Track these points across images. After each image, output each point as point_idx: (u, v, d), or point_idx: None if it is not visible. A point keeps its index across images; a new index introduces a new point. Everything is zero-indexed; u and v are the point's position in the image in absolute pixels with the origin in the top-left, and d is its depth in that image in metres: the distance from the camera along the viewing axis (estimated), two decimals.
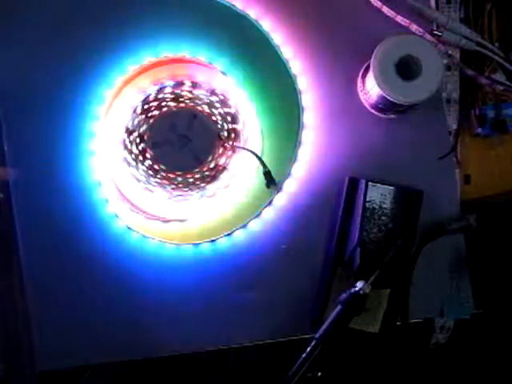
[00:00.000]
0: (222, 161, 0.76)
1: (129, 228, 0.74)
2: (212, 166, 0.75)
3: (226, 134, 0.75)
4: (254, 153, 0.73)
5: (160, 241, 0.74)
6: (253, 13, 0.76)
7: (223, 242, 0.75)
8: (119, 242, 0.75)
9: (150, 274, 0.75)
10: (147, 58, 0.75)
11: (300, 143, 0.75)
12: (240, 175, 0.75)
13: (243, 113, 0.76)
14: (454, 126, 0.76)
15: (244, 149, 0.74)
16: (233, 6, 0.76)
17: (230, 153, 0.76)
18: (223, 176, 0.76)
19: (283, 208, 0.76)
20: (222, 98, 0.76)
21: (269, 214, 0.75)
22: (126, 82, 0.76)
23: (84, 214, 0.75)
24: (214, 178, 0.76)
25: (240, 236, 0.75)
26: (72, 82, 0.76)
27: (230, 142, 0.75)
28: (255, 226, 0.75)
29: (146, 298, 0.75)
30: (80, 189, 0.75)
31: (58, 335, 0.74)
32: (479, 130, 0.76)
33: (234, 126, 0.75)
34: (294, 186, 0.76)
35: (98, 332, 0.74)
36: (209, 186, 0.76)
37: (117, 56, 0.76)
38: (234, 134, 0.75)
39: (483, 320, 0.74)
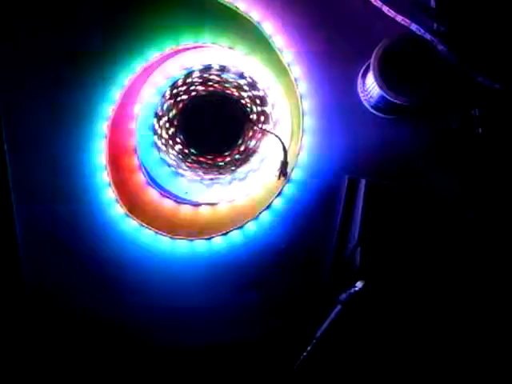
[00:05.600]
0: (252, 144, 0.76)
1: (141, 225, 0.74)
2: (242, 148, 0.76)
3: (255, 116, 0.75)
4: (279, 138, 0.73)
5: (171, 237, 0.74)
6: (255, 15, 0.76)
7: (219, 242, 0.75)
8: (131, 240, 0.75)
9: (161, 268, 0.75)
10: (168, 46, 0.75)
11: (301, 148, 0.75)
12: (271, 158, 0.76)
13: (272, 95, 0.76)
14: (454, 126, 0.76)
15: (271, 133, 0.74)
16: (236, 8, 0.76)
17: (259, 135, 0.76)
18: (254, 159, 0.76)
19: (284, 208, 0.76)
20: (250, 80, 0.76)
21: (269, 214, 0.75)
22: (152, 68, 0.76)
23: (93, 213, 0.76)
24: (244, 161, 0.76)
25: (238, 237, 0.75)
26: (88, 70, 0.76)
27: (260, 125, 0.75)
28: (253, 226, 0.75)
29: (149, 294, 0.75)
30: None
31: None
32: (479, 131, 0.76)
33: (263, 108, 0.76)
34: (295, 185, 0.76)
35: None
36: (240, 169, 0.76)
37: (137, 45, 0.76)
38: (264, 117, 0.76)
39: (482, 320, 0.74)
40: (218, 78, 0.76)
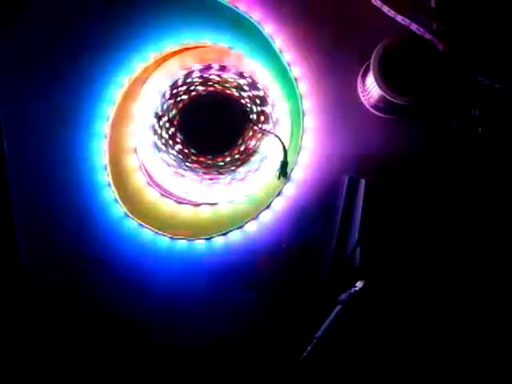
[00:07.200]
0: (252, 144, 0.76)
1: (141, 225, 0.74)
2: (242, 148, 0.76)
3: (255, 116, 0.76)
4: (279, 138, 0.73)
5: (171, 237, 0.74)
6: (255, 15, 0.76)
7: (219, 242, 0.75)
8: (131, 240, 0.75)
9: (161, 268, 0.75)
10: (168, 46, 0.76)
11: (301, 148, 0.75)
12: (271, 158, 0.76)
13: (272, 95, 0.76)
14: (454, 126, 0.76)
15: (271, 133, 0.74)
16: (236, 8, 0.76)
17: (259, 135, 0.76)
18: (254, 159, 0.76)
19: (284, 208, 0.75)
20: (250, 80, 0.76)
21: (269, 214, 0.75)
22: (152, 69, 0.76)
23: (93, 213, 0.76)
24: (244, 161, 0.76)
25: (238, 237, 0.75)
26: (88, 70, 0.76)
27: (260, 125, 0.75)
28: (253, 226, 0.75)
29: (149, 294, 0.75)
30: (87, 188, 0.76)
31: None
32: (479, 130, 0.76)
33: (263, 108, 0.76)
34: (295, 185, 0.75)
35: None
36: (239, 169, 0.76)
37: (137, 44, 0.76)
38: (264, 117, 0.76)
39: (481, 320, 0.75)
40: (218, 78, 0.76)
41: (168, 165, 0.76)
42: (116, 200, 0.75)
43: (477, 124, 0.76)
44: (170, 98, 0.76)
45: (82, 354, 0.75)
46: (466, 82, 0.76)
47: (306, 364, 0.68)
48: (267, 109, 0.76)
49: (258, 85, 0.76)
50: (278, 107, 0.76)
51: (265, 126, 0.76)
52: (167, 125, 0.76)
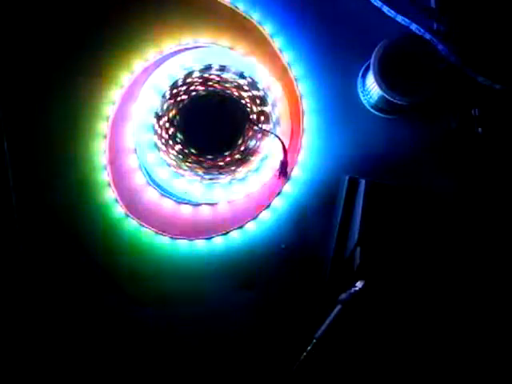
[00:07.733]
0: (252, 144, 0.76)
1: (141, 225, 0.74)
2: (242, 148, 0.76)
3: (255, 116, 0.76)
4: (279, 138, 0.73)
5: (171, 237, 0.74)
6: (255, 15, 0.76)
7: (219, 242, 0.75)
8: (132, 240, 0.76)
9: (161, 268, 0.76)
10: (168, 46, 0.76)
11: (301, 148, 0.75)
12: (271, 158, 0.76)
13: (272, 95, 0.76)
14: (454, 126, 0.76)
15: (271, 133, 0.74)
16: (236, 8, 0.76)
17: (259, 135, 0.76)
18: (254, 159, 0.76)
19: (284, 208, 0.76)
20: (250, 80, 0.76)
21: (269, 214, 0.75)
22: (152, 69, 0.76)
23: (93, 213, 0.76)
24: (244, 161, 0.76)
25: (237, 237, 0.75)
26: (88, 69, 0.77)
27: (260, 125, 0.75)
28: (253, 226, 0.75)
29: (149, 293, 0.76)
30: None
31: None
32: (479, 130, 0.76)
33: (263, 108, 0.76)
34: (294, 185, 0.75)
35: None
36: (240, 169, 0.76)
37: (137, 45, 0.76)
38: (264, 117, 0.76)
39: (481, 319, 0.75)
40: (217, 78, 0.76)
41: (168, 165, 0.76)
42: (116, 200, 0.75)
43: (477, 124, 0.76)
44: (170, 98, 0.76)
45: (81, 352, 0.75)
46: (466, 82, 0.76)
47: (305, 364, 0.68)
48: (267, 109, 0.76)
49: (258, 85, 0.76)
50: (278, 107, 0.76)
51: (265, 126, 0.76)
52: (167, 125, 0.76)
